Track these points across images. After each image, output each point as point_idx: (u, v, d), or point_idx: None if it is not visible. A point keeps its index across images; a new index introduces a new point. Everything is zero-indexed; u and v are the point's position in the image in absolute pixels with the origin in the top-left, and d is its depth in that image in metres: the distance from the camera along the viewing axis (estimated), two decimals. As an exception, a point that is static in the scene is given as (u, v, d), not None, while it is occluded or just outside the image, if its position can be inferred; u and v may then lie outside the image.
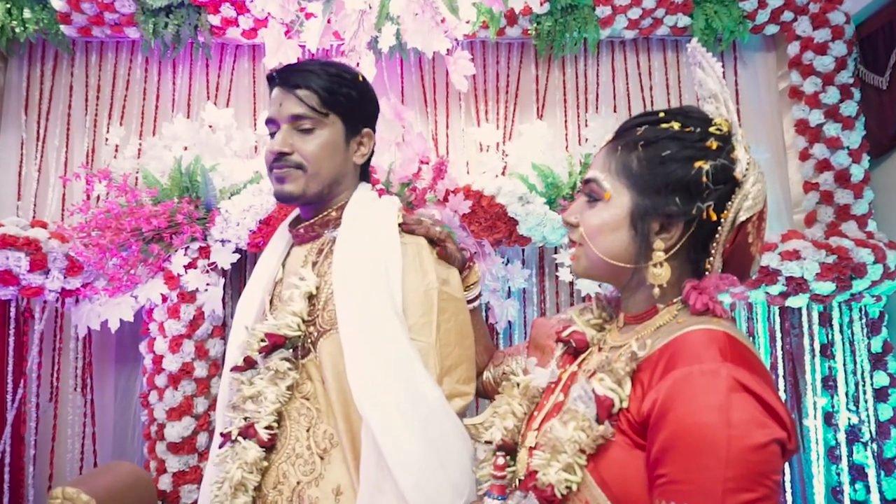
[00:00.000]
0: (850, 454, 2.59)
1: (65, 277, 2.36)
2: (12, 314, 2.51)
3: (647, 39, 2.99)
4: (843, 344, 2.64)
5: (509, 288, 2.69)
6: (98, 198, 2.58)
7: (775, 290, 2.52)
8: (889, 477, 2.56)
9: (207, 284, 2.45)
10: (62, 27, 2.65)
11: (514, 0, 2.33)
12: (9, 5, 2.59)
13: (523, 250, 2.79)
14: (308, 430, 1.18)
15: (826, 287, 2.49)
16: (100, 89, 2.84)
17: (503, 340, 2.75)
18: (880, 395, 2.61)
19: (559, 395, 1.04)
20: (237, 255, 2.50)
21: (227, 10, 2.64)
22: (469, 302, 1.35)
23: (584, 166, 2.57)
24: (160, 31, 2.63)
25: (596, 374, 0.92)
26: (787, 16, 2.82)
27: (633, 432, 0.86)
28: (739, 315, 2.71)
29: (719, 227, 0.93)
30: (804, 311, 2.67)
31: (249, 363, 1.22)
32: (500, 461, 1.04)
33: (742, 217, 0.93)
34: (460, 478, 1.10)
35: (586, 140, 2.82)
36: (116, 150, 2.75)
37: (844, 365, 2.63)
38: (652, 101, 2.97)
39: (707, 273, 0.95)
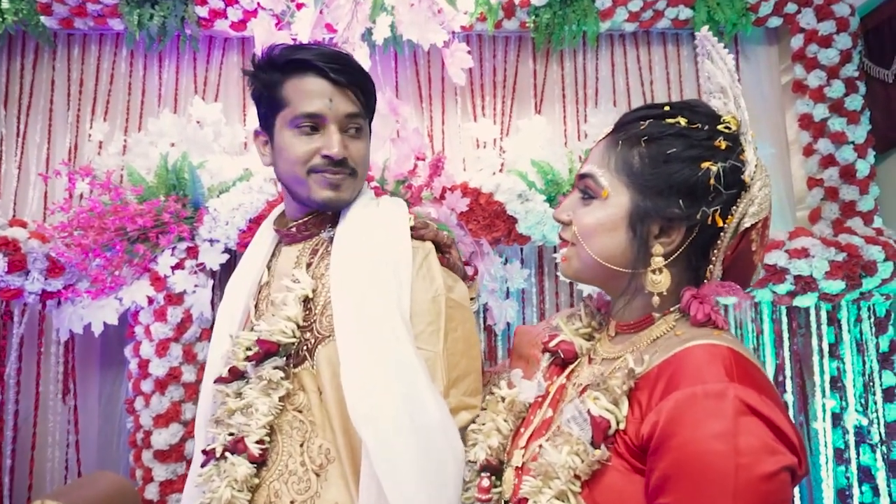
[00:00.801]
0: (858, 456, 2.55)
1: (45, 279, 2.29)
2: (-9, 317, 2.42)
3: (647, 33, 2.94)
4: (851, 344, 2.59)
5: (508, 288, 2.63)
6: (81, 196, 2.51)
7: (783, 289, 2.46)
8: (897, 479, 2.51)
9: (195, 286, 2.39)
10: (43, 18, 2.56)
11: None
12: (-14, -4, 2.51)
13: (522, 249, 2.73)
14: (302, 445, 1.09)
15: (835, 286, 2.43)
16: (83, 83, 2.75)
17: (502, 342, 2.69)
18: (888, 395, 2.56)
19: (547, 411, 0.98)
20: (226, 256, 2.43)
21: (216, 2, 2.56)
22: None
23: (584, 163, 2.51)
24: (145, 22, 2.55)
25: (589, 392, 0.86)
26: (791, 7, 2.77)
27: (632, 456, 0.81)
28: (737, 317, 2.67)
29: (722, 234, 0.87)
30: (812, 311, 2.62)
31: (235, 374, 1.13)
32: (486, 483, 0.99)
33: (747, 223, 0.88)
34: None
35: (586, 135, 2.78)
36: (100, 147, 2.68)
37: (852, 365, 2.58)
38: (653, 96, 2.91)
39: (706, 282, 0.90)
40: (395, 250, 1.14)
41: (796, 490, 2.58)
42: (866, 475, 2.53)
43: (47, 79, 2.74)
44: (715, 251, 0.89)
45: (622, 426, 0.82)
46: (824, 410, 2.59)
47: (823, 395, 2.58)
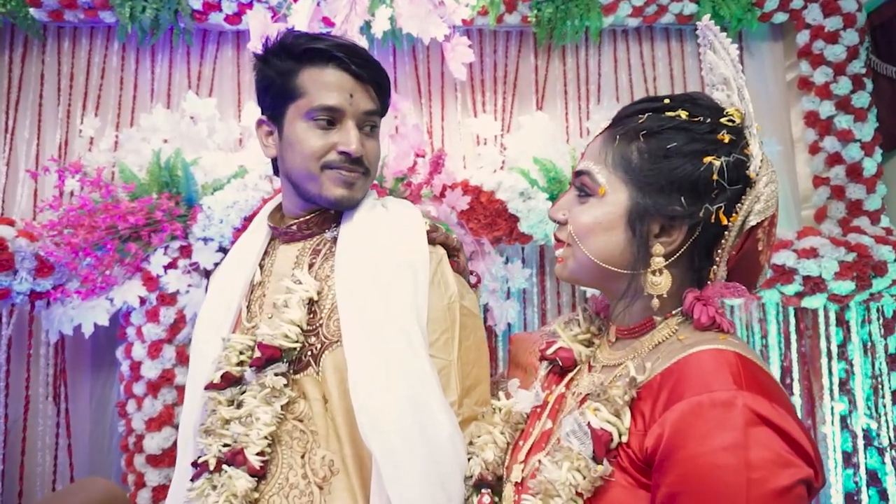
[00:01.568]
0: (866, 458, 2.51)
1: (34, 279, 2.24)
2: (-23, 319, 2.37)
3: (650, 28, 2.90)
4: (859, 345, 2.56)
5: (509, 288, 2.58)
6: (71, 193, 2.46)
7: (791, 289, 2.42)
8: (907, 483, 2.48)
9: (189, 286, 2.34)
10: (32, 10, 2.50)
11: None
12: (-27, -13, 2.45)
13: (523, 249, 2.68)
14: (303, 457, 1.03)
15: (845, 286, 2.40)
16: (73, 78, 2.69)
17: (502, 343, 2.64)
18: (896, 397, 2.53)
19: (547, 422, 0.93)
20: (221, 255, 2.37)
21: (210, -7, 2.51)
22: None
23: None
24: (137, 15, 2.50)
25: (589, 403, 0.82)
26: (797, 3, 2.74)
27: (636, 470, 0.76)
28: (742, 318, 2.62)
29: (726, 232, 0.83)
30: (820, 312, 2.58)
31: (228, 380, 1.07)
32: (486, 500, 0.94)
33: (752, 221, 0.84)
34: None
35: (588, 132, 2.74)
36: (91, 143, 2.62)
37: (860, 367, 2.55)
38: (656, 93, 2.88)
39: (710, 283, 0.85)
40: (412, 255, 1.09)
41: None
42: (873, 479, 2.50)
43: (36, 73, 2.68)
44: (719, 251, 0.85)
45: (625, 439, 0.78)
46: (832, 413, 2.55)
47: (832, 398, 2.55)
